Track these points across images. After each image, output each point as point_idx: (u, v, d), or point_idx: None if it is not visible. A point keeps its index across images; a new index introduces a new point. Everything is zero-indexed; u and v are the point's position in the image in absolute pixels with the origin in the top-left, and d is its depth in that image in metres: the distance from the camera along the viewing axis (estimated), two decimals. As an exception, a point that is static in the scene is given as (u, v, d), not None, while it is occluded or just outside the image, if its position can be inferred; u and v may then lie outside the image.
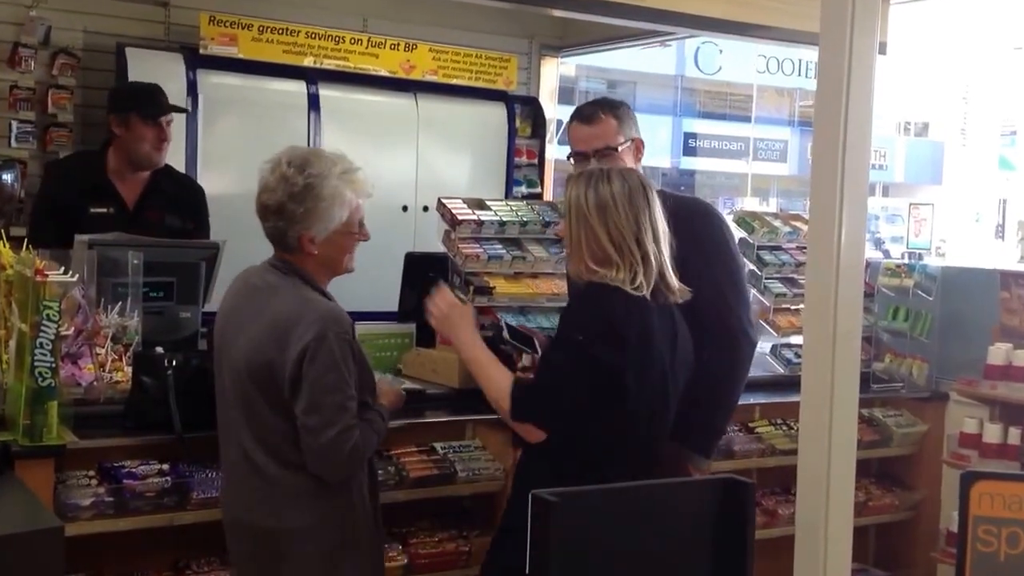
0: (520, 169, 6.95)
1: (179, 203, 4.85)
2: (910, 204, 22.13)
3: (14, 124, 6.00)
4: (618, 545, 2.32)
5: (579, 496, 2.39)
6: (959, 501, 1.95)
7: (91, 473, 3.48)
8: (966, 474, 1.90)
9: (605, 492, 2.46)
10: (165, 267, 4.10)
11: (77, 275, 3.44)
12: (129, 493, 3.45)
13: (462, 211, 4.52)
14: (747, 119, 29.60)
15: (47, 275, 3.25)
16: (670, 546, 2.40)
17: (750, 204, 28.24)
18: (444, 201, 4.54)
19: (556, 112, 7.72)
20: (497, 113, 6.77)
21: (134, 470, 3.51)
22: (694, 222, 3.62)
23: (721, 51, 26.63)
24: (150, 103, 4.72)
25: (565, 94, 29.54)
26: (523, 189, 6.81)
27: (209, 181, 5.96)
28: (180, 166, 5.88)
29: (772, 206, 28.52)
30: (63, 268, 3.41)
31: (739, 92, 29.41)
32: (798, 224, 5.45)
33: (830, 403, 1.74)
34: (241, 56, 6.12)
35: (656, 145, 27.90)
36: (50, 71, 6.04)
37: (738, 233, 5.34)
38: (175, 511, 3.51)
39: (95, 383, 3.66)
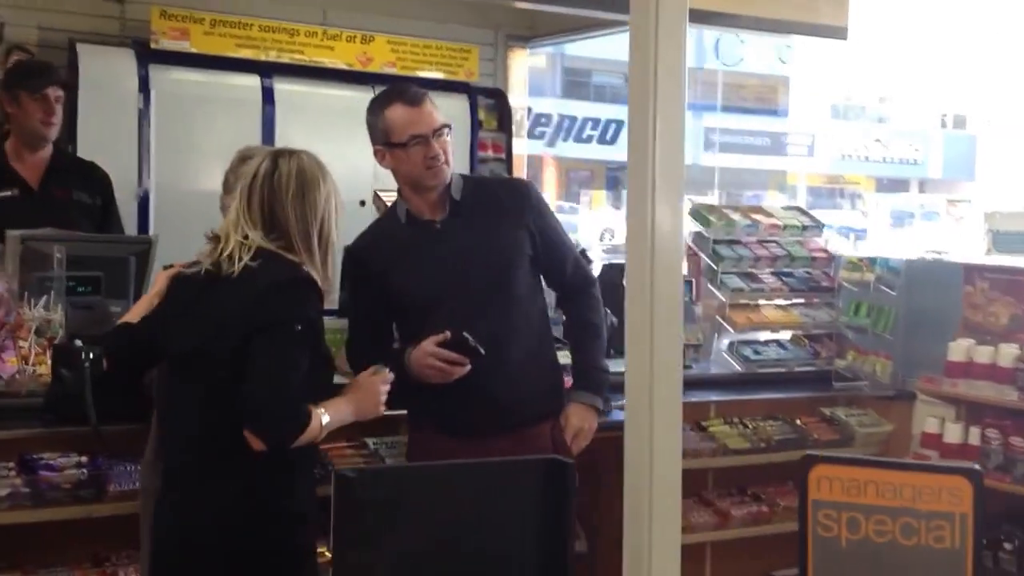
0: (486, 163, 7.16)
1: (83, 179, 5.18)
2: (948, 201, 22.20)
3: (-32, 121, 6.24)
4: (431, 524, 2.53)
5: (381, 473, 2.62)
6: (799, 485, 2.12)
7: (11, 465, 3.72)
8: (804, 457, 2.08)
9: (411, 471, 2.69)
10: (93, 261, 4.32)
11: (-3, 269, 3.67)
12: (46, 484, 3.68)
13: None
14: (773, 112, 29.76)
15: (-41, 268, 3.50)
16: (489, 526, 2.60)
17: (778, 201, 28.34)
18: (381, 194, 4.70)
19: (530, 104, 7.93)
20: (459, 106, 6.98)
21: (52, 462, 3.75)
22: (527, 197, 3.95)
23: (743, 41, 26.72)
24: (35, 78, 5.06)
25: (574, 87, 29.86)
26: (489, 184, 7.00)
27: (162, 178, 6.24)
28: (132, 163, 6.17)
29: (801, 203, 28.62)
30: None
31: (765, 84, 29.58)
32: (758, 217, 5.66)
33: (650, 394, 1.93)
34: (193, 50, 6.37)
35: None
36: (4, 67, 6.28)
37: (693, 227, 5.56)
38: (92, 503, 3.74)
39: (17, 376, 3.89)
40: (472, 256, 3.78)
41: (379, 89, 6.70)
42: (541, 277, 3.96)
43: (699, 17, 6.26)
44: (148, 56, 6.27)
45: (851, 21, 6.62)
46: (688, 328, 5.25)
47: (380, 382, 3.35)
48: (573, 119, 29.78)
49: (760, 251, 5.56)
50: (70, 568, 3.86)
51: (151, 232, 5.97)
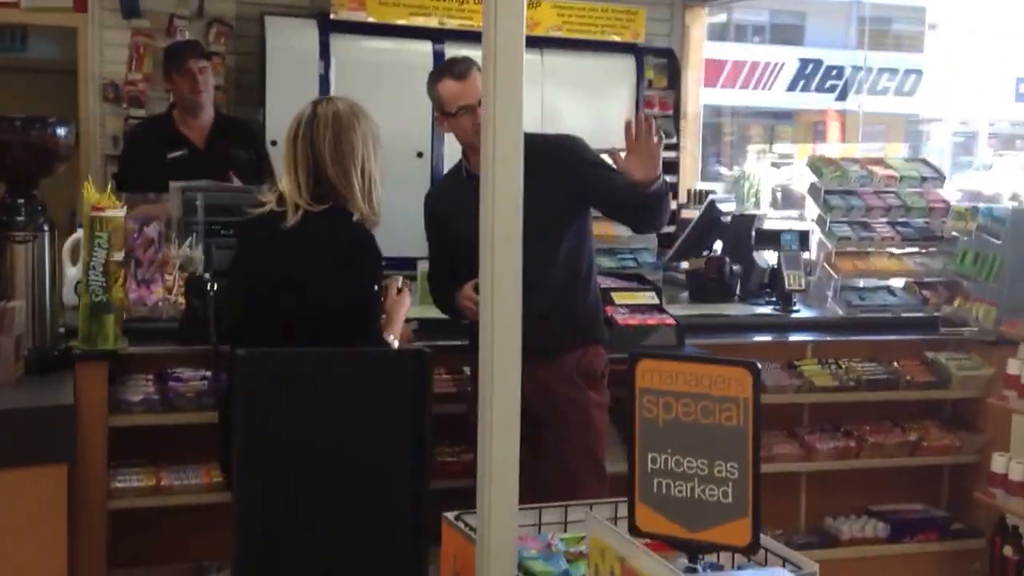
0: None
1: (240, 139, 6.31)
2: None
3: (172, 89, 7.37)
4: (317, 403, 3.36)
5: (273, 355, 3.44)
6: (628, 377, 2.73)
7: (149, 376, 4.75)
8: (631, 353, 2.68)
9: (302, 354, 3.51)
10: (238, 208, 5.28)
11: (126, 209, 4.63)
12: (172, 393, 4.68)
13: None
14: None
15: (102, 210, 4.49)
16: (367, 406, 3.41)
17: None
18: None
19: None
20: (625, 66, 7.65)
21: (181, 375, 4.74)
22: (570, 152, 4.64)
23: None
24: (175, 58, 6.19)
25: (870, 36, 29.41)
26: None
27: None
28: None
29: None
30: (124, 206, 4.62)
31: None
32: (875, 168, 6.14)
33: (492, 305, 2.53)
34: (370, 19, 7.29)
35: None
36: (205, 39, 7.36)
37: (808, 178, 6.12)
38: (212, 411, 4.62)
39: (160, 303, 4.89)
40: None
41: (546, 53, 7.59)
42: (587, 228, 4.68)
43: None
44: (329, 26, 7.22)
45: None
46: (793, 274, 5.85)
47: (403, 300, 4.25)
48: (868, 70, 29.57)
49: (874, 201, 6.05)
50: (198, 466, 4.80)
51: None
